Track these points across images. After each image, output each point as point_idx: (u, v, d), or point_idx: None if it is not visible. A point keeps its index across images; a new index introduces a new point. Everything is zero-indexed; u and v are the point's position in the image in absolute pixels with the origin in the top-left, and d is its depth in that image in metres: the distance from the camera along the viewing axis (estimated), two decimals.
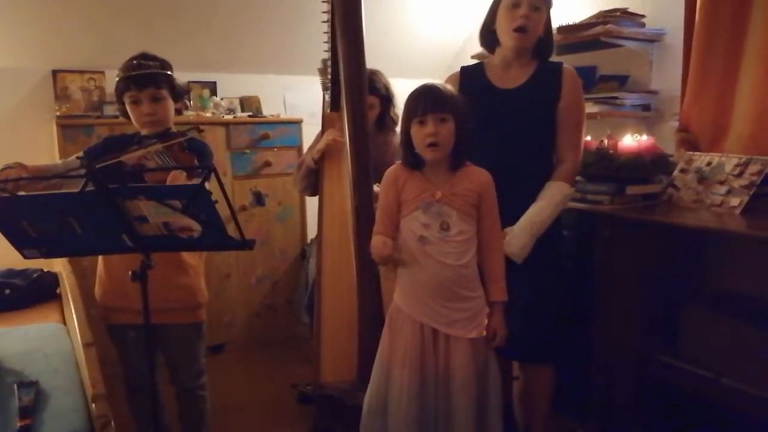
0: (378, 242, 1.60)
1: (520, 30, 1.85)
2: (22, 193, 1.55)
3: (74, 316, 2.05)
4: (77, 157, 1.91)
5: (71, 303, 2.17)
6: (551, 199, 1.88)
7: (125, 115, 1.93)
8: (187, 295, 1.97)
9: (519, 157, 1.90)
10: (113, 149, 1.87)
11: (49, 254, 1.53)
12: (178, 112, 2.04)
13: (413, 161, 1.67)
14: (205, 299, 2.04)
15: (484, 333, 1.67)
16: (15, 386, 1.64)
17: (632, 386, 2.15)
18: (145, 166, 1.80)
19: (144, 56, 1.90)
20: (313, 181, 2.44)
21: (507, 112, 1.90)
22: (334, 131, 2.31)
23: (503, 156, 1.86)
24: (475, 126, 1.72)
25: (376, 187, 1.91)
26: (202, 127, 1.97)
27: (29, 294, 2.65)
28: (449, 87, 1.71)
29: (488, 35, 1.97)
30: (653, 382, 2.13)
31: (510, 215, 1.83)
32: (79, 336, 1.89)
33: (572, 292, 2.15)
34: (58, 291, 2.74)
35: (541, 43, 1.93)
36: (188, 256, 1.96)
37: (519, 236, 1.84)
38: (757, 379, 1.83)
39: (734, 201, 2.03)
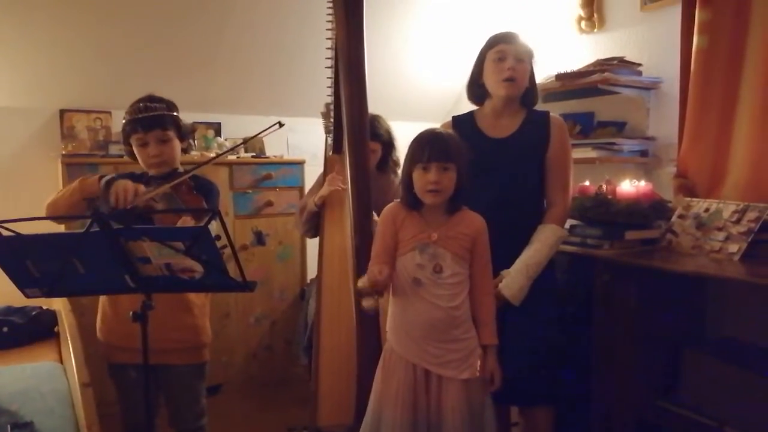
0: (374, 269, 1.61)
1: (509, 80, 1.93)
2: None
3: (72, 355, 2.03)
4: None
5: (69, 342, 2.16)
6: (545, 241, 1.92)
7: (132, 156, 1.96)
8: (191, 335, 1.97)
9: (511, 203, 1.94)
10: None
11: (50, 294, 1.54)
12: (185, 151, 2.06)
13: (412, 202, 1.70)
14: (209, 339, 2.04)
15: (477, 374, 1.67)
16: (8, 427, 1.62)
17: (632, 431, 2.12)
18: (153, 208, 1.82)
19: (150, 98, 1.93)
20: (315, 224, 2.45)
21: (499, 160, 1.97)
22: (336, 177, 2.33)
23: (496, 202, 1.89)
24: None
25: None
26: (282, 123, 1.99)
27: (27, 332, 2.63)
28: (455, 135, 1.75)
29: (477, 89, 2.05)
30: (653, 428, 2.10)
31: (503, 259, 1.87)
32: (76, 376, 1.87)
33: (571, 335, 2.15)
34: (56, 329, 2.72)
35: (527, 93, 2.01)
36: (194, 296, 1.97)
37: (515, 279, 1.87)
38: (760, 428, 1.81)
39: (733, 247, 2.04)
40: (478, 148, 1.94)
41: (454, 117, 2.12)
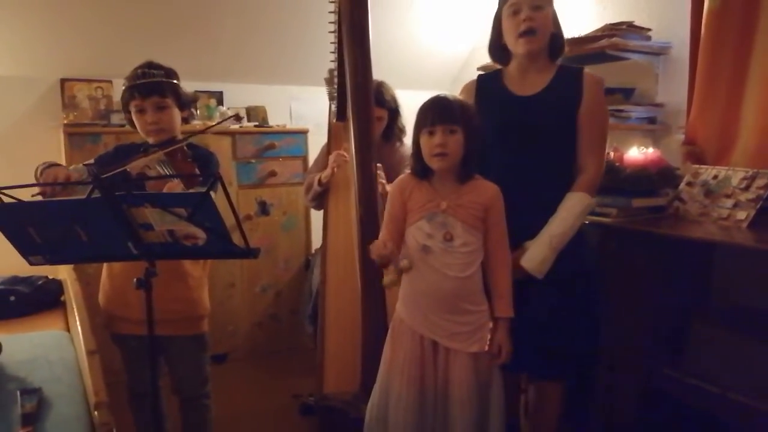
0: (378, 242, 1.59)
1: (526, 33, 1.78)
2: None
3: (78, 323, 2.04)
4: (85, 165, 1.91)
5: (75, 310, 2.17)
6: (571, 210, 1.78)
7: (132, 124, 1.94)
8: (188, 307, 1.97)
9: (538, 167, 1.82)
10: (122, 157, 1.87)
11: (54, 261, 1.54)
12: (186, 121, 2.04)
13: (422, 170, 1.68)
14: (206, 311, 2.03)
15: (486, 348, 1.66)
16: (18, 393, 1.63)
17: (637, 399, 2.13)
18: (147, 175, 1.80)
19: (149, 65, 1.91)
20: (321, 200, 2.44)
21: (525, 119, 1.83)
22: (338, 152, 2.30)
23: (521, 166, 1.82)
24: (493, 135, 1.71)
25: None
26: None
27: (33, 301, 2.65)
28: (461, 99, 1.70)
29: (498, 50, 1.92)
30: (658, 395, 2.11)
31: (529, 227, 1.78)
32: (82, 344, 1.89)
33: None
34: (62, 298, 2.74)
35: (552, 42, 1.85)
36: (191, 267, 1.96)
37: (538, 251, 1.76)
38: (764, 394, 1.81)
39: (741, 214, 2.02)
40: (504, 107, 1.86)
41: (480, 75, 2.01)
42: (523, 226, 1.76)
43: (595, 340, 1.94)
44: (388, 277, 1.68)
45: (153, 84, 1.87)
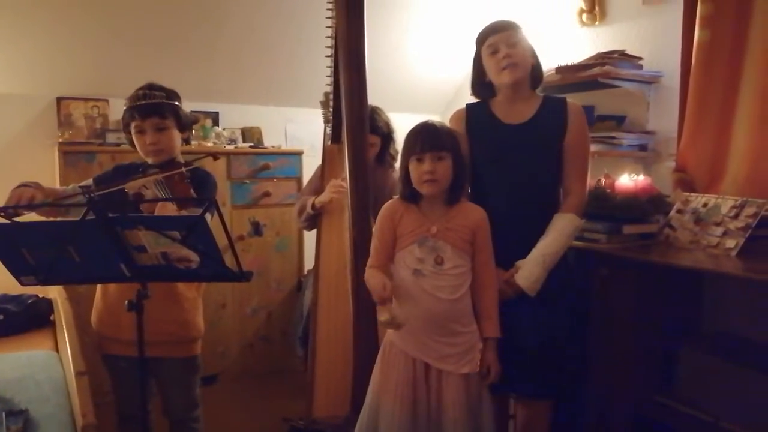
0: (378, 285, 1.59)
1: (508, 66, 1.87)
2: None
3: (68, 343, 2.03)
4: (80, 187, 1.91)
5: (65, 330, 2.16)
6: (562, 230, 1.87)
7: (132, 144, 1.95)
8: (182, 330, 1.96)
9: (527, 192, 1.89)
10: (120, 178, 1.88)
11: (46, 282, 1.53)
12: (186, 142, 2.05)
13: (410, 195, 1.71)
14: (200, 334, 2.02)
15: (477, 369, 1.67)
16: (3, 414, 1.62)
17: (628, 427, 2.13)
18: (143, 195, 1.80)
19: (150, 86, 1.92)
20: (313, 222, 2.44)
21: (514, 147, 1.91)
22: (337, 182, 2.30)
23: (511, 191, 1.88)
24: (484, 161, 1.76)
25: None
26: (217, 155, 1.97)
27: (23, 320, 2.63)
28: (447, 126, 1.76)
29: (481, 87, 2.00)
30: (649, 423, 2.11)
31: (519, 249, 1.85)
32: (71, 364, 1.87)
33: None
34: (52, 318, 2.72)
35: (532, 72, 1.94)
36: (185, 289, 1.96)
37: (531, 269, 1.82)
38: (756, 423, 1.81)
39: (730, 243, 2.04)
40: (493, 135, 1.94)
41: (468, 104, 2.06)
42: (513, 246, 1.82)
43: (582, 356, 2.01)
44: (384, 316, 1.58)
45: (153, 105, 1.88)
